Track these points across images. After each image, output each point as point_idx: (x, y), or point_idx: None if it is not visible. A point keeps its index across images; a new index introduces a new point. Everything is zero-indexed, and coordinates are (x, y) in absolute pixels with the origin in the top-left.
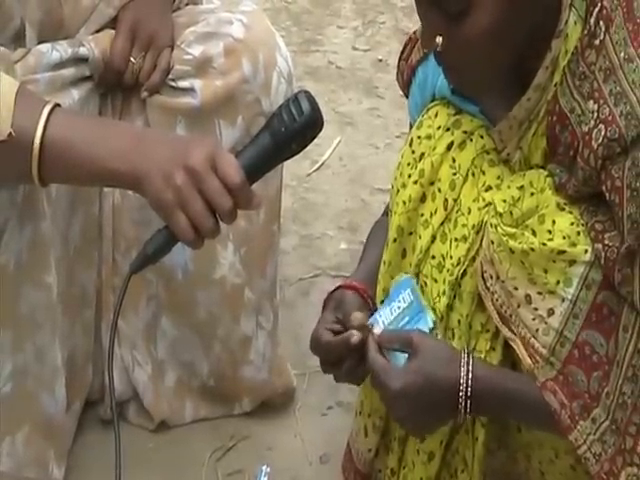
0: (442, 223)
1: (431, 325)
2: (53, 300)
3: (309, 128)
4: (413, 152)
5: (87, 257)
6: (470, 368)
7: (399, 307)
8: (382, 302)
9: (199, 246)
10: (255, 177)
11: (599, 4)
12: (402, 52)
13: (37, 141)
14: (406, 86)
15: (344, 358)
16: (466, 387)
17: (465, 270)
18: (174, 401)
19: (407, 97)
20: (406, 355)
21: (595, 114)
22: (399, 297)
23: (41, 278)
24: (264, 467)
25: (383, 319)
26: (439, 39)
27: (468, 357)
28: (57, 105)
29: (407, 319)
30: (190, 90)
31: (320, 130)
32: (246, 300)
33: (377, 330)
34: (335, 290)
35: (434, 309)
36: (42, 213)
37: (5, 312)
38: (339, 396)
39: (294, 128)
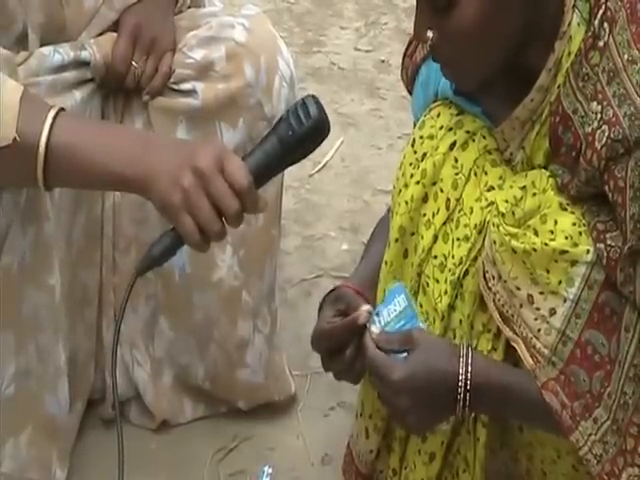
0: (444, 223)
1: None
2: (56, 301)
3: (317, 132)
4: (415, 152)
5: (89, 257)
6: (469, 361)
7: (395, 310)
8: (376, 308)
9: (205, 249)
10: (262, 181)
11: (603, 6)
12: (406, 49)
13: (42, 146)
14: (410, 83)
15: (347, 345)
16: (465, 380)
17: (467, 270)
18: (173, 399)
19: (411, 94)
20: (404, 356)
21: (599, 115)
22: (394, 301)
23: (44, 280)
24: (266, 467)
25: (379, 319)
26: (430, 33)
27: (467, 350)
28: (62, 109)
29: (403, 322)
30: (192, 92)
31: (327, 134)
32: (243, 303)
33: (374, 329)
34: (330, 291)
35: (435, 309)
36: (45, 214)
37: (8, 314)
38: (341, 397)
39: (302, 132)
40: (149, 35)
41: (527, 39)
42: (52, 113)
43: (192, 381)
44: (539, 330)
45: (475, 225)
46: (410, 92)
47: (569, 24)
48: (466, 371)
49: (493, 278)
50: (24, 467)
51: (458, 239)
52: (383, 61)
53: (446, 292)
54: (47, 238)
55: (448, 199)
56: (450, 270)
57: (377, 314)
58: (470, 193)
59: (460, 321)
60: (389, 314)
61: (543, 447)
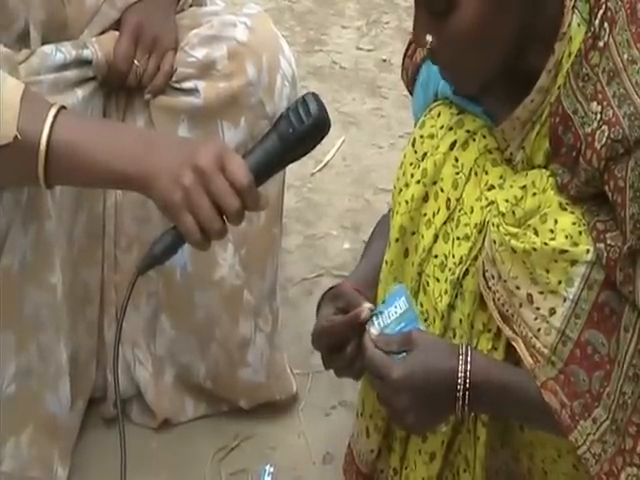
0: (445, 222)
1: None
2: (57, 300)
3: (317, 130)
4: (416, 152)
5: (90, 255)
6: (469, 359)
7: (395, 312)
8: (376, 309)
9: (206, 248)
10: (262, 179)
11: (603, 6)
12: (407, 50)
13: (43, 144)
14: (410, 84)
15: (347, 342)
16: (464, 378)
17: (467, 269)
18: (175, 398)
19: (411, 94)
20: (402, 356)
21: (599, 115)
22: (394, 304)
23: (45, 278)
24: (268, 466)
25: (379, 321)
26: (429, 37)
27: (466, 349)
28: (63, 107)
29: (403, 324)
30: (193, 90)
31: (327, 132)
32: (245, 302)
33: (374, 331)
34: (329, 290)
35: (435, 309)
36: (47, 213)
37: (9, 313)
38: (343, 396)
39: (302, 130)
40: (151, 34)
41: (526, 41)
42: (53, 111)
43: (193, 380)
44: (539, 330)
45: (475, 224)
46: (411, 92)
47: (569, 25)
48: (465, 369)
49: (493, 278)
50: (25, 466)
51: (458, 238)
52: (384, 60)
53: (446, 291)
54: (48, 237)
55: (448, 198)
56: (450, 269)
57: (376, 316)
58: (470, 192)
59: (460, 320)
60: (389, 316)
61: (544, 446)
